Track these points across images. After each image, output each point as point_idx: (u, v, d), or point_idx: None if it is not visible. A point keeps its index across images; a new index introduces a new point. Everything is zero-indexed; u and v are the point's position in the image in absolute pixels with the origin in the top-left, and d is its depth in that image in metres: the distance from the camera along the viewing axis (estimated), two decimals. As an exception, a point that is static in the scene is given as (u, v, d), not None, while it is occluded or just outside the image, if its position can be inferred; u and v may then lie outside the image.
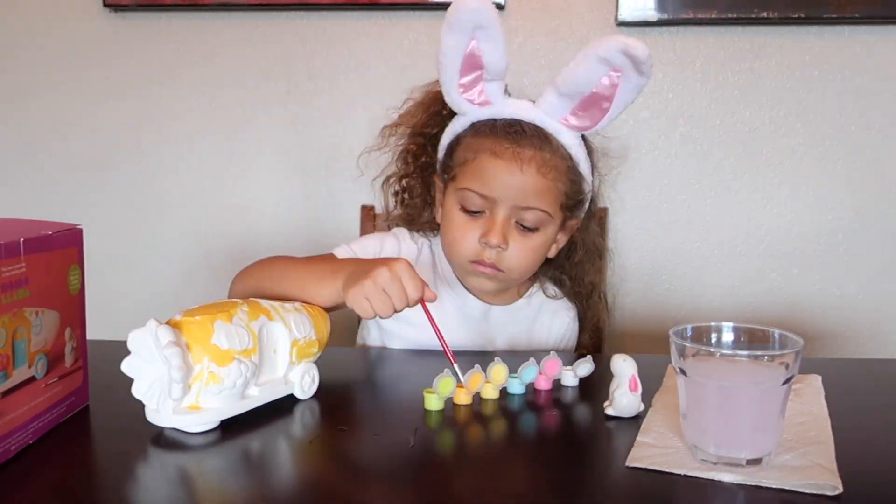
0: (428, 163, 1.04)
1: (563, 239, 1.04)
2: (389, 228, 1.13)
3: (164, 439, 0.69)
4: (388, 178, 1.09)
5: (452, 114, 0.99)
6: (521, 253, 0.96)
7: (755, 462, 0.61)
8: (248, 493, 0.61)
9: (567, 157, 0.95)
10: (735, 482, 0.60)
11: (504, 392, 0.82)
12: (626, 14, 1.46)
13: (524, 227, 0.95)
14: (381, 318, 0.82)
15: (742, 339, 0.67)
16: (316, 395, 0.81)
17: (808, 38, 1.48)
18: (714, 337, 0.68)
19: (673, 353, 0.64)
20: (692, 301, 1.57)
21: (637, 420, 0.73)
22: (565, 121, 0.93)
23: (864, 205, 1.52)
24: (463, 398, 0.78)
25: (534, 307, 1.10)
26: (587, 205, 1.03)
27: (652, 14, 1.46)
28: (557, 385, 0.85)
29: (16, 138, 1.67)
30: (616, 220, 1.55)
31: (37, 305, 0.68)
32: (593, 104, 0.89)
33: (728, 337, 0.68)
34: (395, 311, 0.82)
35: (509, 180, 0.93)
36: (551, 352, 0.85)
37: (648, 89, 1.50)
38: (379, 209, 1.32)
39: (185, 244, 1.67)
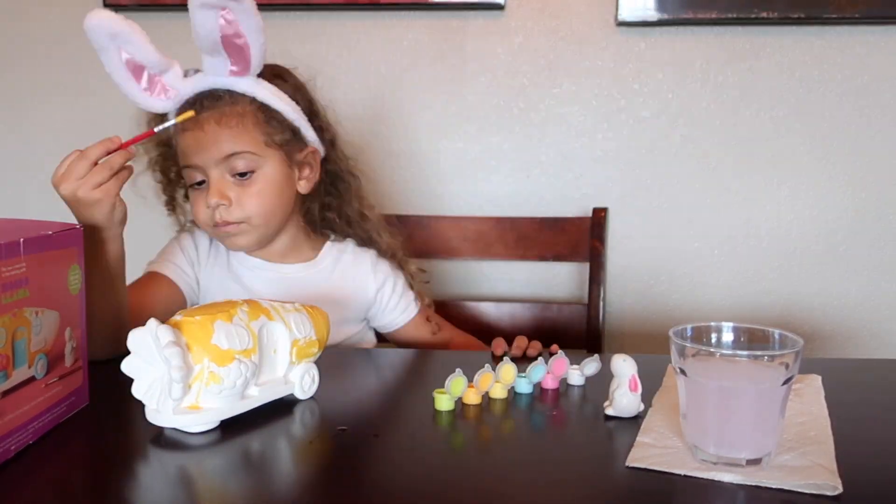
0: (172, 160, 1.11)
1: (310, 174, 1.09)
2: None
3: (164, 439, 0.69)
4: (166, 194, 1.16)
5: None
6: (249, 199, 1.03)
7: (755, 462, 0.61)
8: (248, 493, 0.61)
9: (251, 102, 1.01)
10: (735, 482, 0.60)
11: (512, 391, 0.83)
12: (625, 14, 1.46)
13: (240, 175, 1.02)
14: (106, 188, 0.87)
15: (742, 339, 0.67)
16: (316, 395, 0.81)
17: (808, 38, 1.48)
18: (714, 337, 0.68)
19: (673, 353, 0.64)
20: (692, 301, 1.57)
21: (637, 420, 0.73)
22: (232, 72, 0.98)
23: (864, 205, 1.52)
24: (473, 398, 0.79)
25: (332, 259, 1.15)
26: (313, 134, 1.09)
27: (652, 14, 1.46)
28: (564, 384, 0.85)
29: (16, 138, 1.67)
30: (616, 220, 1.55)
31: (37, 305, 0.68)
32: (234, 49, 0.94)
33: (728, 337, 0.68)
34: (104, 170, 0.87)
35: (199, 144, 1.01)
36: (559, 351, 0.86)
37: (648, 89, 1.51)
38: (380, 210, 1.32)
39: (185, 244, 1.67)
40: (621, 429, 0.72)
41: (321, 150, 1.11)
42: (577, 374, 0.85)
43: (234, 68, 0.97)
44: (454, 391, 0.77)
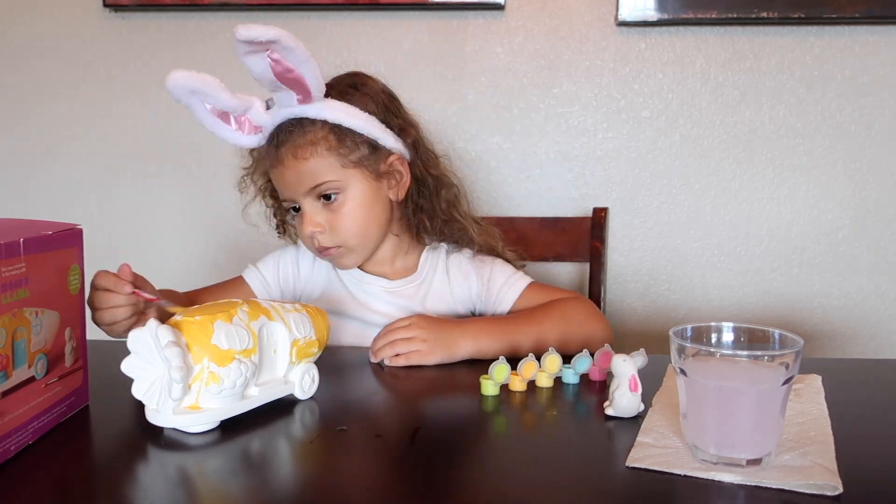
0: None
1: (400, 181, 1.08)
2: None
3: (164, 439, 0.69)
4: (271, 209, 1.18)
5: None
6: (340, 223, 1.04)
7: (755, 462, 0.61)
8: (247, 493, 0.61)
9: (322, 126, 1.01)
10: (735, 482, 0.60)
11: (559, 381, 0.86)
12: (626, 14, 1.46)
13: (327, 198, 1.03)
14: (115, 328, 0.93)
15: (742, 339, 0.67)
16: (316, 395, 0.81)
17: (808, 38, 1.48)
18: (714, 337, 0.68)
19: (673, 353, 0.64)
20: (692, 301, 1.57)
21: (637, 420, 0.73)
22: (299, 101, 0.99)
23: (864, 205, 1.52)
24: (518, 385, 0.83)
25: (430, 268, 1.14)
26: (393, 141, 1.07)
27: (652, 14, 1.46)
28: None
29: (16, 138, 1.67)
30: (616, 220, 1.55)
31: (37, 305, 0.68)
32: (291, 82, 0.95)
33: (728, 337, 0.68)
34: (121, 309, 0.92)
35: (285, 180, 1.04)
36: (605, 344, 0.87)
37: (648, 89, 1.51)
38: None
39: (185, 244, 1.67)
40: (621, 429, 0.72)
41: (406, 154, 1.09)
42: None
43: (298, 97, 0.98)
44: (497, 377, 0.81)
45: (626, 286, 1.57)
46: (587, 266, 1.44)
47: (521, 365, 0.83)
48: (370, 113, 1.05)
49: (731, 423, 0.62)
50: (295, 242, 1.19)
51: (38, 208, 1.68)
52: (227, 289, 1.15)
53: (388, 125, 1.06)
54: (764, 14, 1.44)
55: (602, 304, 1.42)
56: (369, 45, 1.56)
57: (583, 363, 0.86)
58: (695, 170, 1.54)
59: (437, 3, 1.52)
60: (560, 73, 1.53)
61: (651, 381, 0.83)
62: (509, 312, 1.09)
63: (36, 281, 0.67)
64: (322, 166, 1.01)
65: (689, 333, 0.66)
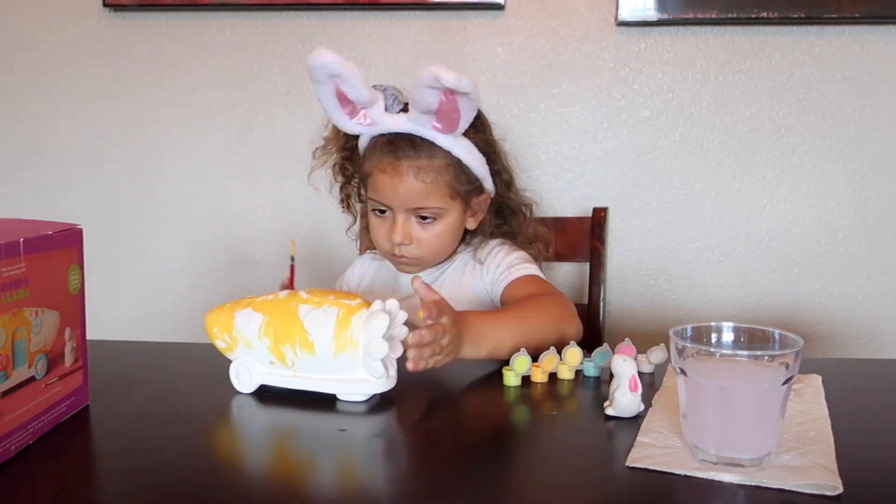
0: (355, 171, 1.17)
1: (479, 214, 1.14)
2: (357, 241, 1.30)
3: (164, 439, 0.69)
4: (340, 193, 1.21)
5: None
6: (427, 242, 1.09)
7: (755, 462, 0.61)
8: (248, 493, 0.61)
9: (446, 156, 1.05)
10: (735, 482, 0.60)
11: (580, 374, 0.87)
12: (626, 14, 1.46)
13: (422, 218, 1.08)
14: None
15: (742, 339, 0.67)
16: (318, 396, 0.81)
17: (808, 38, 1.48)
18: (714, 337, 0.68)
19: (673, 353, 0.64)
20: (692, 301, 1.57)
21: (637, 420, 0.72)
22: (435, 127, 1.02)
23: (864, 205, 1.52)
24: (539, 376, 0.85)
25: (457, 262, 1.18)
26: (491, 184, 1.12)
27: (652, 14, 1.46)
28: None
29: (16, 138, 1.67)
30: (616, 220, 1.55)
31: (37, 305, 0.68)
32: (445, 116, 0.99)
33: (728, 337, 0.68)
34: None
35: (395, 190, 1.06)
36: (626, 339, 0.88)
37: (648, 89, 1.51)
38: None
39: (185, 243, 1.67)
40: (621, 429, 0.72)
41: (493, 193, 1.14)
42: (645, 362, 0.88)
43: (437, 125, 1.01)
44: (518, 368, 0.84)
45: (626, 286, 1.57)
46: (587, 266, 1.44)
47: (543, 357, 0.85)
48: (482, 153, 1.09)
49: (731, 423, 0.62)
50: (355, 218, 1.22)
51: (38, 208, 1.68)
52: None
53: (491, 165, 1.11)
54: (764, 14, 1.44)
55: (602, 304, 1.42)
56: (369, 45, 1.56)
57: (602, 356, 0.87)
58: (695, 170, 1.54)
59: (437, 3, 1.52)
60: (560, 73, 1.53)
61: (649, 382, 0.83)
62: (501, 294, 1.12)
63: (36, 281, 0.67)
64: (435, 193, 1.06)
65: (689, 333, 0.66)
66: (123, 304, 1.68)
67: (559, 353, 0.87)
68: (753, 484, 0.59)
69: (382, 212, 1.09)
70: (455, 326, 0.84)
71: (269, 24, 1.58)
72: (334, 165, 1.17)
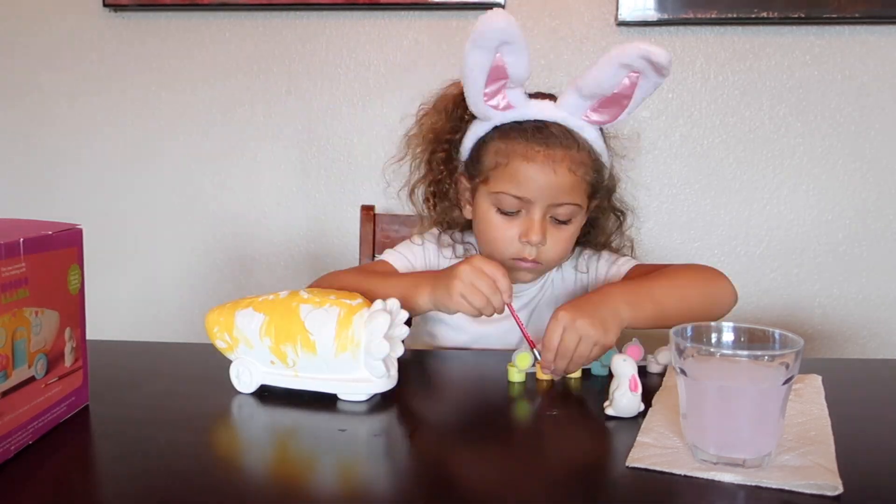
0: (455, 166, 1.07)
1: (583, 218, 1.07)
2: (422, 234, 1.15)
3: (164, 439, 0.69)
4: (413, 188, 1.11)
5: (473, 116, 1.01)
6: (558, 245, 1.00)
7: (755, 462, 0.61)
8: (248, 493, 0.61)
9: (591, 151, 0.99)
10: (735, 482, 0.60)
11: (587, 372, 0.87)
12: (626, 14, 1.46)
13: (558, 220, 0.99)
14: (483, 314, 0.87)
15: (742, 339, 0.67)
16: (319, 395, 0.81)
17: (808, 38, 1.48)
18: (714, 337, 0.68)
19: (673, 353, 0.64)
20: (692, 301, 1.57)
21: (637, 420, 0.72)
22: (586, 117, 0.96)
23: (864, 205, 1.52)
24: (544, 373, 0.84)
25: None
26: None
27: (652, 14, 1.46)
28: (642, 371, 0.85)
29: (15, 137, 1.67)
30: (616, 220, 1.55)
31: (37, 305, 0.68)
32: (614, 103, 0.93)
33: (728, 337, 0.68)
34: (490, 304, 0.86)
35: (544, 181, 0.96)
36: (633, 339, 0.88)
37: (648, 89, 1.51)
38: (380, 209, 1.32)
39: (185, 243, 1.67)
40: (621, 429, 0.71)
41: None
42: (654, 362, 0.87)
43: (592, 115, 0.95)
44: (521, 364, 0.83)
45: (626, 286, 1.57)
46: (587, 266, 1.44)
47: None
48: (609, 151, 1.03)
49: (731, 423, 0.62)
50: (440, 222, 1.11)
51: (38, 208, 1.68)
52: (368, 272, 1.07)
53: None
54: (764, 14, 1.44)
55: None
56: (369, 44, 1.56)
57: (610, 356, 0.85)
58: (695, 170, 1.54)
59: (437, 3, 1.52)
60: (560, 73, 1.53)
61: (651, 381, 0.83)
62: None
63: (36, 281, 0.67)
64: (580, 189, 0.98)
65: (689, 333, 0.66)
66: (123, 304, 1.68)
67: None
68: (753, 484, 0.59)
69: (509, 212, 0.99)
70: (584, 317, 0.80)
71: (269, 24, 1.58)
72: (429, 158, 1.07)
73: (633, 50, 0.85)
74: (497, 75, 0.91)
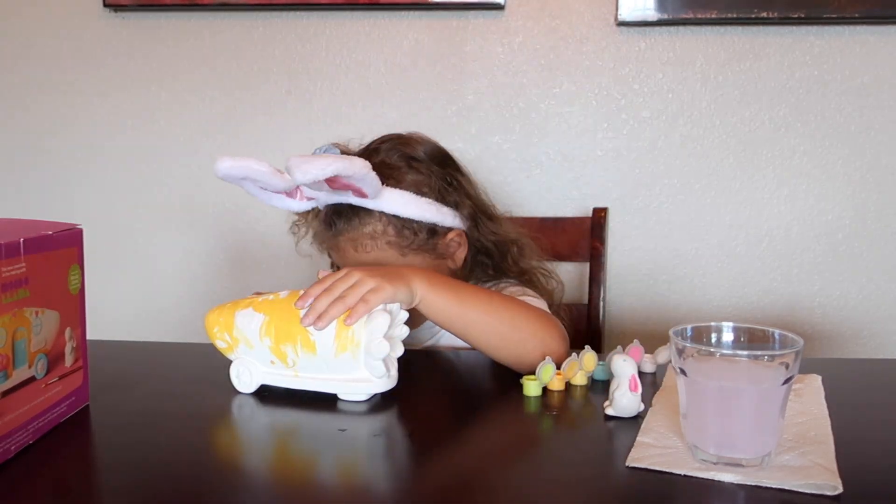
0: None
1: (459, 251, 1.06)
2: None
3: (164, 439, 0.69)
4: None
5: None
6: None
7: (755, 462, 0.61)
8: (248, 493, 0.61)
9: (380, 218, 0.99)
10: (735, 482, 0.60)
11: (590, 378, 0.85)
12: (625, 14, 1.46)
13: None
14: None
15: (742, 339, 0.67)
16: (319, 395, 0.81)
17: (808, 38, 1.48)
18: (714, 337, 0.68)
19: (673, 353, 0.64)
20: (692, 301, 1.57)
21: (637, 420, 0.73)
22: (354, 195, 0.96)
23: (864, 205, 1.52)
24: (557, 384, 0.82)
25: None
26: (452, 219, 1.04)
27: (652, 14, 1.46)
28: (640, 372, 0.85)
29: (15, 138, 1.67)
30: (616, 220, 1.55)
31: (37, 305, 0.68)
32: (345, 188, 0.93)
33: (728, 337, 0.68)
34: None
35: (345, 261, 1.02)
36: (634, 340, 0.87)
37: (648, 89, 1.51)
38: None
39: (185, 243, 1.67)
40: (621, 429, 0.72)
41: (464, 225, 1.06)
42: (650, 362, 0.87)
43: (353, 195, 0.96)
44: (544, 377, 0.80)
45: (625, 286, 1.57)
46: (587, 266, 1.44)
47: (566, 365, 0.82)
48: (425, 195, 1.01)
49: (731, 423, 0.62)
50: None
51: (38, 208, 1.68)
52: None
53: (445, 202, 1.03)
54: (764, 14, 1.44)
55: (602, 304, 1.42)
56: (369, 45, 1.56)
57: (608, 361, 0.86)
58: (695, 170, 1.54)
59: (437, 3, 1.52)
60: (560, 73, 1.53)
61: (651, 382, 0.83)
62: None
63: (36, 281, 0.67)
64: (383, 257, 1.00)
65: (689, 333, 0.66)
66: (123, 304, 1.68)
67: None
68: (753, 484, 0.59)
69: None
70: (367, 271, 0.80)
71: (269, 24, 1.58)
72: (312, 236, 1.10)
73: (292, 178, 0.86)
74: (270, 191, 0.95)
